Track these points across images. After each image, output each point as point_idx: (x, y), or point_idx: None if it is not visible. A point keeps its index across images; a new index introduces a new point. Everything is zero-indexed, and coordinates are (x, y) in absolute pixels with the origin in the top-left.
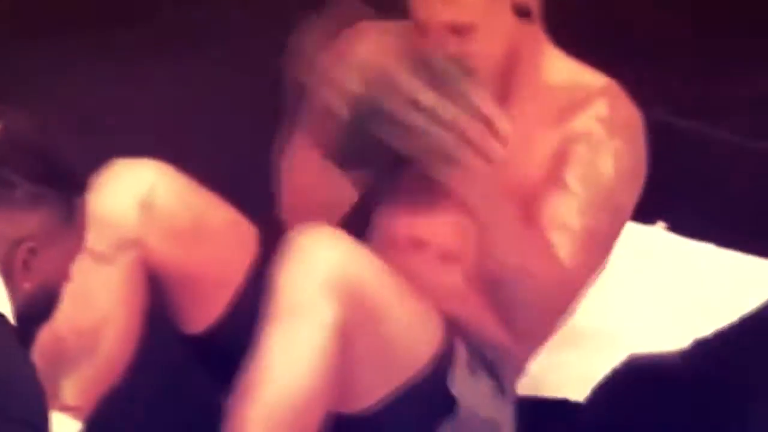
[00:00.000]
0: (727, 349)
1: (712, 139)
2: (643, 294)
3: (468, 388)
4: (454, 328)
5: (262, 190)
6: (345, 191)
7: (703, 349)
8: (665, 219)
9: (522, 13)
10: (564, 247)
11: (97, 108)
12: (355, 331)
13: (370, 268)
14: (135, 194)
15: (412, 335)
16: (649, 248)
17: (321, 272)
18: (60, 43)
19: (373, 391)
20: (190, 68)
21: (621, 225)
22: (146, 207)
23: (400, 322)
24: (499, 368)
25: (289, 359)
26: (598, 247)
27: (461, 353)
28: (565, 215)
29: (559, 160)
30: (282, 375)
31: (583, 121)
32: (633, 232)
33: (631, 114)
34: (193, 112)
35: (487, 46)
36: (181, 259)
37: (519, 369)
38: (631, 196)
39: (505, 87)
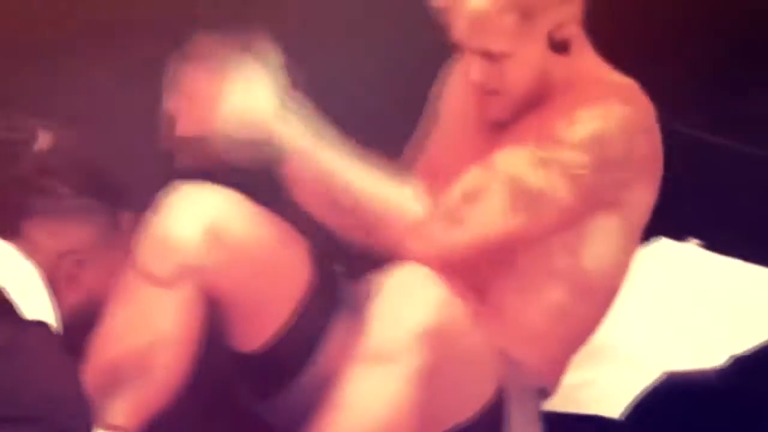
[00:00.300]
0: (764, 366)
1: (749, 155)
2: (678, 310)
3: (513, 411)
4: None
5: None
6: None
7: (740, 366)
8: (699, 236)
9: (559, 48)
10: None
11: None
12: (438, 376)
13: (456, 314)
14: (202, 222)
15: (482, 374)
16: (683, 265)
17: (415, 321)
18: (99, 62)
19: (444, 426)
20: None
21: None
22: (212, 235)
23: (475, 366)
24: (529, 391)
25: (375, 401)
26: (537, 206)
27: (512, 387)
28: (517, 166)
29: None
30: (365, 415)
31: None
32: (667, 248)
33: (636, 111)
34: None
35: (518, 73)
36: (241, 285)
37: (545, 392)
38: (610, 182)
39: (534, 99)
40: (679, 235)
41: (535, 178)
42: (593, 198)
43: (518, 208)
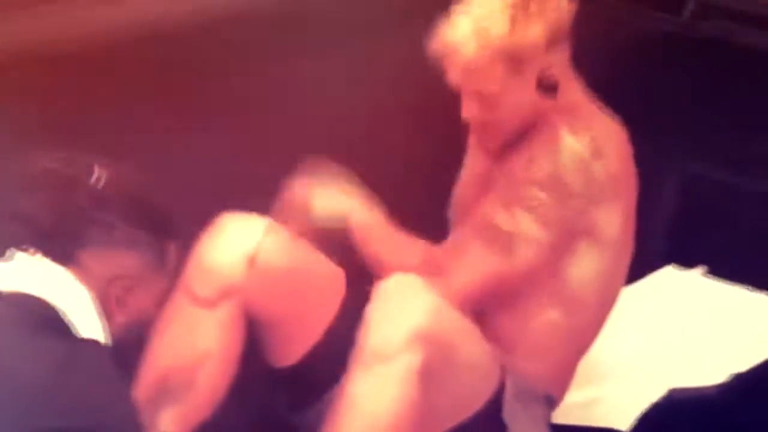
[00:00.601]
0: (761, 383)
1: (752, 192)
2: (683, 332)
3: (516, 416)
4: (503, 367)
5: None
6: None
7: (739, 383)
8: (705, 264)
9: (547, 90)
10: None
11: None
12: (434, 375)
13: (450, 318)
14: (242, 249)
15: (480, 376)
16: (689, 290)
17: (409, 321)
18: (152, 105)
19: (445, 425)
20: (266, 125)
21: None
22: (251, 261)
23: (471, 366)
24: (536, 399)
25: (376, 399)
26: (511, 247)
27: (510, 387)
28: (489, 213)
29: None
30: (369, 413)
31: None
32: (674, 275)
33: (594, 138)
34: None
35: (508, 112)
36: (277, 305)
37: (553, 400)
38: (575, 211)
39: (520, 137)
40: (688, 263)
41: (505, 221)
42: (564, 229)
43: (494, 252)
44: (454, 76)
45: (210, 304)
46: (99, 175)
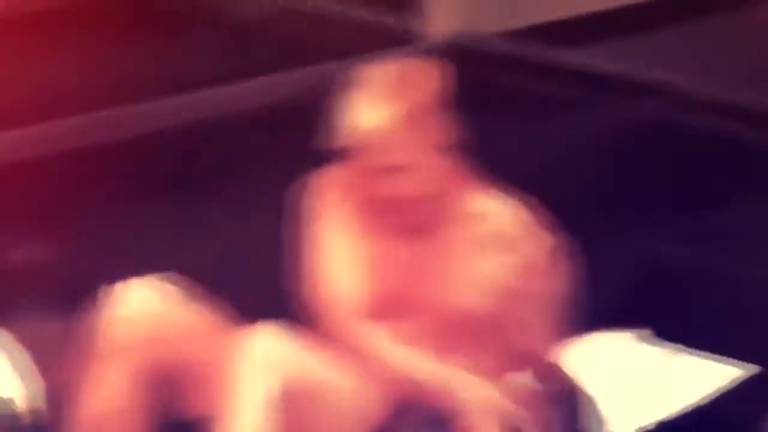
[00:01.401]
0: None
1: (700, 263)
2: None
3: None
4: (405, 396)
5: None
6: None
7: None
8: (652, 327)
9: (446, 149)
10: None
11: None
12: (296, 400)
13: (301, 351)
14: (126, 305)
15: (356, 401)
16: (637, 350)
17: (254, 357)
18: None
19: None
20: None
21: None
22: (140, 317)
23: (340, 391)
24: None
25: (245, 424)
26: None
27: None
28: None
29: None
30: None
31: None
32: (623, 339)
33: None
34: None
35: (423, 180)
36: (168, 354)
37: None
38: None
39: (429, 217)
40: (636, 325)
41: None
42: None
43: None
44: (374, 161)
45: (114, 357)
46: (29, 258)
